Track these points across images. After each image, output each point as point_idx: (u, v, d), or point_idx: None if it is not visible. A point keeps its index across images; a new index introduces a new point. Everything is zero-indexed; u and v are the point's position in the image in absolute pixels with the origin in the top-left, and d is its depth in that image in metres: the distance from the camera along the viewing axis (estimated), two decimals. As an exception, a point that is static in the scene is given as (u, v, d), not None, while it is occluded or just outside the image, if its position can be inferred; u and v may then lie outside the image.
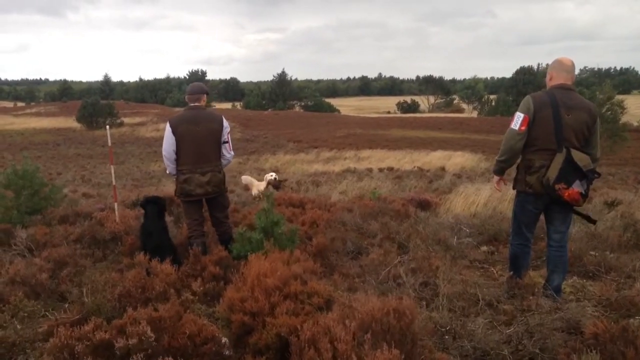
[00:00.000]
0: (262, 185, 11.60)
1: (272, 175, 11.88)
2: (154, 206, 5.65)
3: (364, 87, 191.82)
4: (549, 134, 4.30)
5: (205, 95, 5.67)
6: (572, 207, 4.51)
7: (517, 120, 4.37)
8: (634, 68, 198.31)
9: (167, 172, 5.76)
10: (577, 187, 4.22)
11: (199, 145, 5.45)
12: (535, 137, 4.36)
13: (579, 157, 4.24)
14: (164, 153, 5.55)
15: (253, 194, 11.67)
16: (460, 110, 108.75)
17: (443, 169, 26.96)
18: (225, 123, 5.66)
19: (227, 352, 3.30)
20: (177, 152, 5.47)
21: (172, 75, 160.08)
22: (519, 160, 4.58)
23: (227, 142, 5.63)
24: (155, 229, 5.51)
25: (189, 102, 5.60)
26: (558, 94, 4.35)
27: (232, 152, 5.77)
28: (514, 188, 4.67)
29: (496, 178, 4.84)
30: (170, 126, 5.46)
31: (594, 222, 4.80)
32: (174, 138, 5.43)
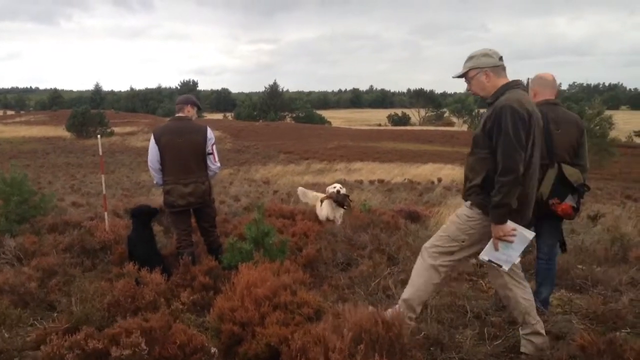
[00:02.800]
0: (324, 207, 8.27)
1: (334, 187, 8.29)
2: (141, 216, 5.64)
3: (355, 99, 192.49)
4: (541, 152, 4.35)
5: (189, 106, 5.61)
6: (562, 221, 4.56)
7: None
8: (622, 84, 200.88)
9: (154, 182, 5.71)
10: (569, 202, 4.29)
11: (181, 156, 5.42)
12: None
13: (570, 172, 4.30)
14: (149, 164, 5.55)
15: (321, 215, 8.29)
16: (451, 124, 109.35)
17: (433, 181, 27.08)
18: (210, 135, 5.59)
19: (216, 362, 3.31)
20: (161, 162, 5.46)
21: (163, 85, 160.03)
22: None
23: (211, 153, 5.58)
24: (141, 239, 5.50)
25: (177, 112, 5.63)
26: (546, 110, 4.41)
27: (218, 164, 5.71)
28: None
29: None
30: (154, 136, 5.47)
31: (564, 249, 4.79)
32: (157, 148, 5.43)
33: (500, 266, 3.49)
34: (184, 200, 5.45)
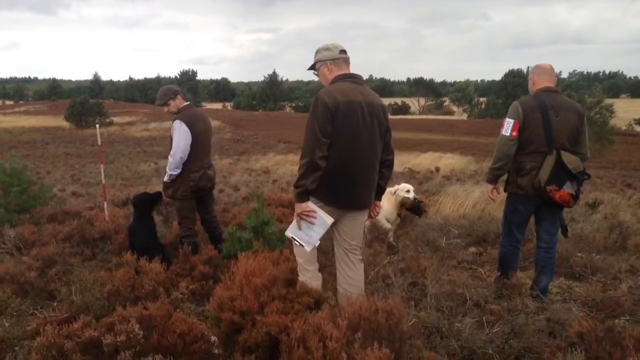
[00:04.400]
0: (389, 212, 6.60)
1: (407, 192, 6.59)
2: (144, 204, 5.62)
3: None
4: (539, 137, 4.34)
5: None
6: (562, 209, 4.56)
7: (508, 127, 4.41)
8: (622, 72, 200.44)
9: (173, 174, 5.36)
10: (567, 189, 4.28)
11: (207, 141, 5.60)
12: (526, 141, 4.40)
13: (569, 159, 4.29)
14: (180, 154, 5.26)
15: (385, 226, 6.59)
16: (451, 113, 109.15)
17: (433, 170, 27.06)
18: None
19: (216, 351, 3.31)
20: (191, 150, 5.35)
21: (162, 75, 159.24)
22: None
23: None
24: (142, 228, 5.50)
25: (183, 100, 5.57)
26: (545, 97, 4.41)
27: None
28: (505, 190, 4.70)
29: (490, 187, 4.79)
30: (186, 124, 5.30)
31: (566, 234, 4.78)
32: (191, 136, 5.31)
33: (303, 245, 3.70)
34: (210, 182, 5.60)
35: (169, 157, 5.36)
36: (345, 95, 3.54)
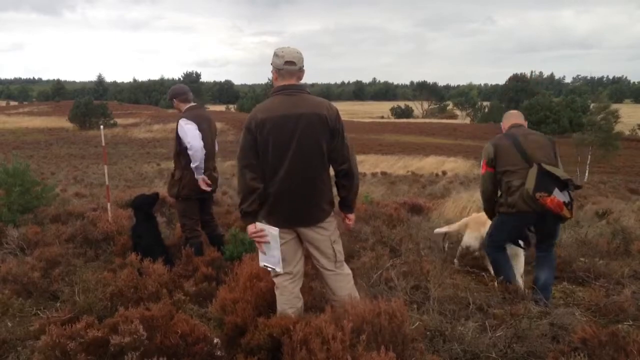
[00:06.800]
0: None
1: None
2: (143, 206, 5.61)
3: (358, 91, 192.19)
4: (516, 158, 4.58)
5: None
6: (558, 223, 4.61)
7: (482, 165, 4.81)
8: (626, 77, 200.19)
9: (197, 166, 5.24)
10: (558, 197, 4.31)
11: (213, 143, 5.55)
12: (506, 165, 4.62)
13: (552, 168, 4.43)
14: (200, 150, 5.18)
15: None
16: (454, 117, 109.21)
17: (436, 174, 27.04)
18: None
19: (219, 353, 3.31)
20: None
21: (166, 77, 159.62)
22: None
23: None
24: (146, 229, 5.50)
25: (190, 101, 5.54)
26: (514, 130, 4.77)
27: None
28: (498, 212, 4.86)
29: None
30: (196, 123, 5.26)
31: (527, 245, 5.06)
32: (199, 133, 5.26)
33: (274, 269, 3.51)
34: (215, 184, 5.54)
35: (190, 153, 5.19)
36: (270, 111, 3.38)
